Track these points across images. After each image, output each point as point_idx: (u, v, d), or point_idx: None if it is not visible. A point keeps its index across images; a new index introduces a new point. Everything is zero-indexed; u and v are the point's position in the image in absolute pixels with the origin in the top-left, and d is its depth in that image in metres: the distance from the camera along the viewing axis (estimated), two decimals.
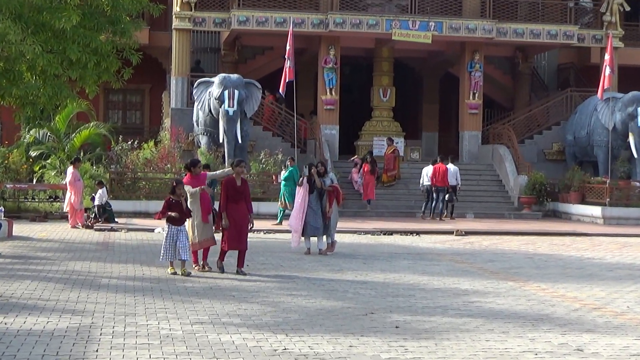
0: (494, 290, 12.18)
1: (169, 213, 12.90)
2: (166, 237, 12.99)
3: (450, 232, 21.49)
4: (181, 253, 12.91)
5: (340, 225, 18.03)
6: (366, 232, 21.13)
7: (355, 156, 28.60)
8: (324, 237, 16.25)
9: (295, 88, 26.21)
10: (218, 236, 13.62)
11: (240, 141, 25.62)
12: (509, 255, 17.04)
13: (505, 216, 26.55)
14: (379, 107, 30.91)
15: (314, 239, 16.26)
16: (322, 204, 16.16)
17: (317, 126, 28.66)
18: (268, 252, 16.19)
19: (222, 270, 13.21)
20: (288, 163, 22.87)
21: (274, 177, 24.97)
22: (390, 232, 21.22)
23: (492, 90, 33.26)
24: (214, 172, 15.31)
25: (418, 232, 21.36)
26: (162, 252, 13.09)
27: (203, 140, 26.75)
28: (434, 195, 25.23)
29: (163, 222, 13.31)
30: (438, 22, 28.51)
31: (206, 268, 13.40)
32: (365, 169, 26.00)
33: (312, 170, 16.25)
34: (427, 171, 25.60)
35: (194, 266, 13.46)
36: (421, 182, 25.82)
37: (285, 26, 27.19)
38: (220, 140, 25.92)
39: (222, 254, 13.34)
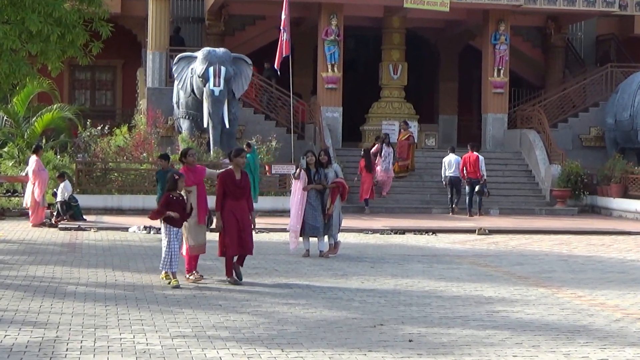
0: (522, 298, 12.21)
1: (169, 213, 12.60)
2: (167, 242, 12.68)
3: (471, 231, 21.52)
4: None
5: (345, 223, 18.04)
6: (374, 231, 21.14)
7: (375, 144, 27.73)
8: (326, 237, 16.26)
9: (292, 64, 26.16)
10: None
11: (227, 126, 25.61)
12: (539, 257, 17.08)
13: (535, 212, 26.58)
14: (389, 85, 30.88)
15: (313, 240, 16.27)
16: (323, 200, 16.14)
17: (316, 108, 28.63)
18: (261, 255, 16.19)
19: (237, 281, 12.90)
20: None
21: (267, 167, 24.99)
22: (402, 231, 21.24)
23: (520, 66, 33.25)
24: (216, 171, 14.93)
25: (434, 231, 21.38)
26: (163, 260, 12.75)
27: (184, 124, 26.74)
28: (466, 188, 25.19)
29: (149, 221, 13.21)
30: None
31: (197, 276, 13.28)
32: (362, 165, 25.62)
33: (309, 159, 16.20)
34: (447, 161, 25.56)
35: None
36: (442, 173, 25.80)
37: None
38: (205, 125, 25.91)
39: (230, 264, 13.02)
